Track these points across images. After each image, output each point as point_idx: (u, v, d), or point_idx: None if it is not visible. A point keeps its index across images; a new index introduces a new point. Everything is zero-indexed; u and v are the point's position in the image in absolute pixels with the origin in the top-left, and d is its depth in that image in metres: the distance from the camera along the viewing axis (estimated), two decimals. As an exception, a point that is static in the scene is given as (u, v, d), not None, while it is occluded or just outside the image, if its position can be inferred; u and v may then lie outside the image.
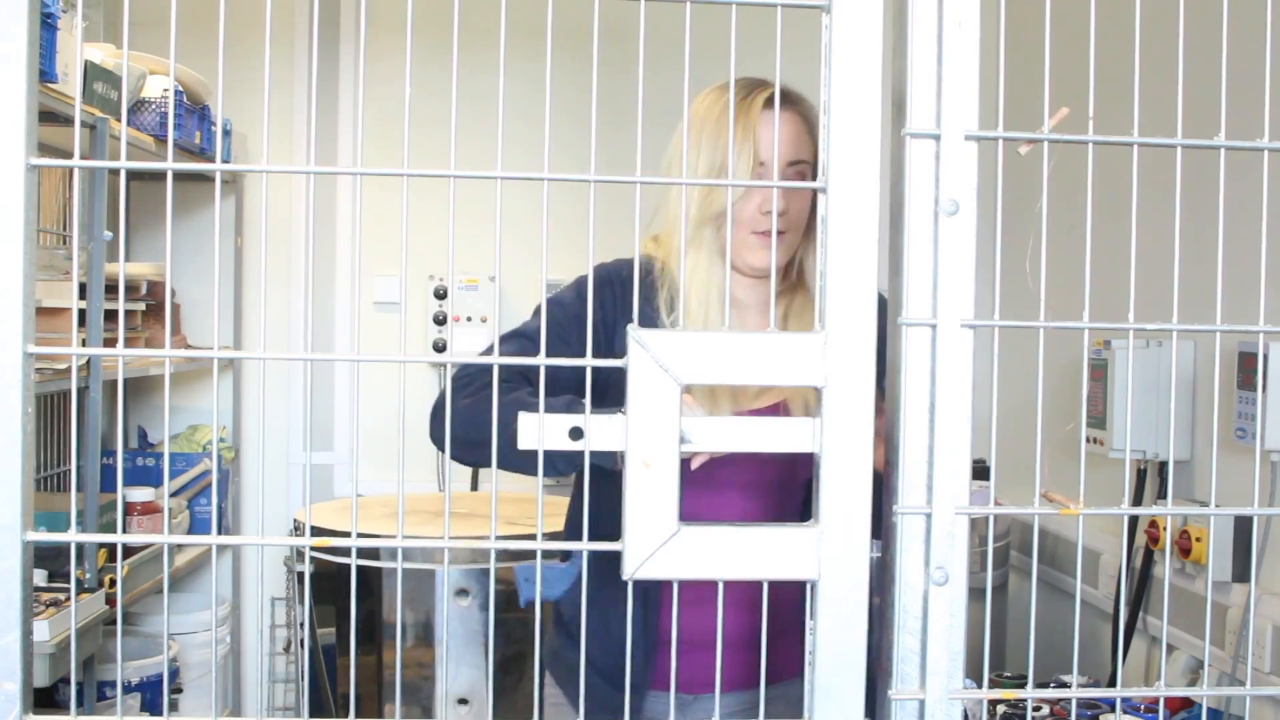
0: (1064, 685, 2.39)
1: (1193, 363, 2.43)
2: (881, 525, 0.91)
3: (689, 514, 0.88)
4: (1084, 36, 0.95)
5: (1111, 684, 2.57)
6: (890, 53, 0.91)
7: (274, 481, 3.80)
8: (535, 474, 1.37)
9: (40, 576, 2.51)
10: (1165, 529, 2.45)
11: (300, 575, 3.28)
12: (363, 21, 1.03)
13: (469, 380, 1.61)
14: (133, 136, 2.94)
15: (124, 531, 2.42)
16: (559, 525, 1.87)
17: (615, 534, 0.89)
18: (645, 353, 0.87)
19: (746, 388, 1.64)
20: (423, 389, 3.82)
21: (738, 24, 0.93)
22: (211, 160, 3.33)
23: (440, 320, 3.74)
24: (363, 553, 2.79)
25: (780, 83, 1.63)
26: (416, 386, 3.82)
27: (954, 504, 0.88)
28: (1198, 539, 2.32)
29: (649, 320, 1.64)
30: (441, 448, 1.56)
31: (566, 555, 1.68)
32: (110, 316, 2.71)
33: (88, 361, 2.60)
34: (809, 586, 0.88)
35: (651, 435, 0.87)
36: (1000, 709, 2.34)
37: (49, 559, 2.54)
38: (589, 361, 0.90)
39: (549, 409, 0.90)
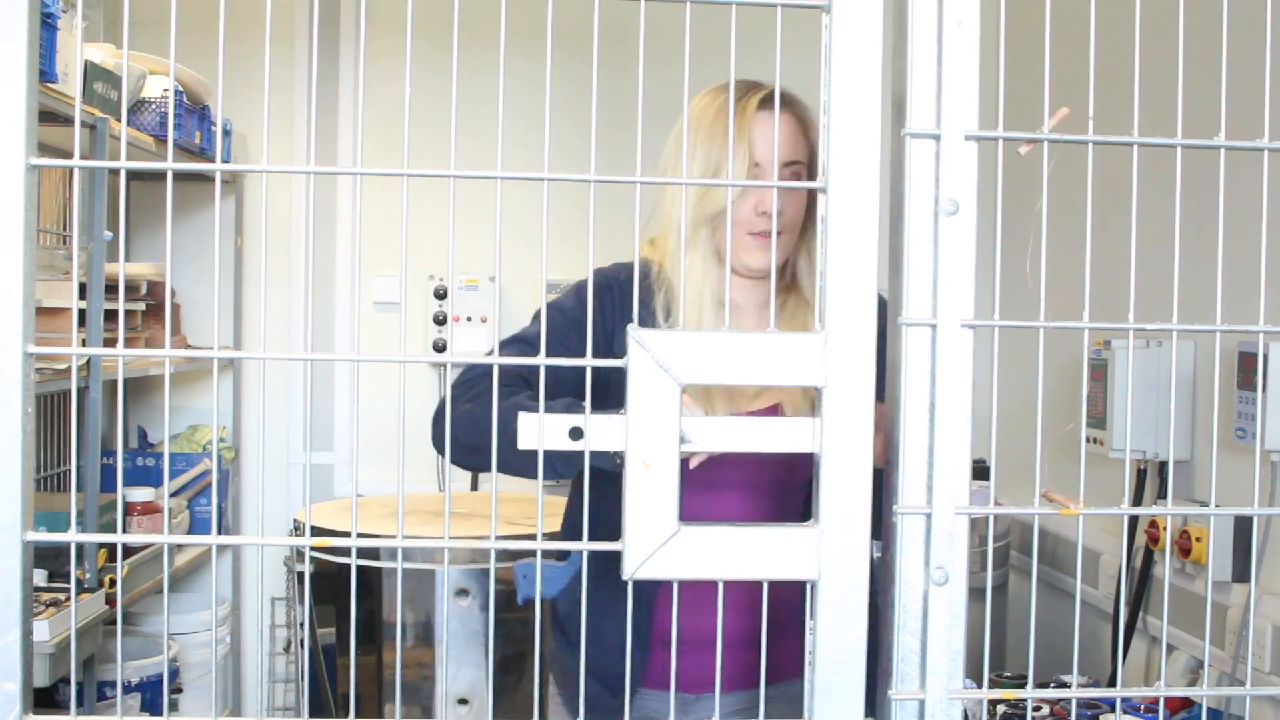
0: (1064, 685, 2.39)
1: (1193, 363, 2.43)
2: (881, 525, 0.91)
3: (689, 514, 0.88)
4: (1084, 36, 0.95)
5: (1111, 684, 2.57)
6: (890, 53, 0.91)
7: (274, 481, 3.80)
8: (535, 477, 1.38)
9: (40, 576, 2.51)
10: (1165, 529, 2.45)
11: (300, 575, 3.28)
12: (363, 21, 1.03)
13: (469, 385, 1.61)
14: (133, 136, 2.94)
15: (124, 531, 2.42)
16: (558, 525, 1.87)
17: (613, 534, 0.89)
18: (645, 353, 0.87)
19: (744, 390, 1.64)
20: (423, 389, 3.82)
21: (738, 24, 0.93)
22: (211, 160, 3.33)
23: (440, 320, 3.74)
24: (363, 553, 2.79)
25: (772, 84, 1.65)
26: (416, 386, 3.82)
27: (954, 504, 0.88)
28: (1198, 539, 2.32)
29: (646, 324, 1.64)
30: (443, 453, 1.56)
31: (564, 554, 1.68)
32: (110, 316, 2.71)
33: (88, 361, 2.60)
34: (809, 586, 0.88)
35: (651, 435, 0.87)
36: (1000, 709, 2.34)
37: (49, 559, 2.54)
38: (589, 361, 0.90)
39: (549, 411, 0.90)
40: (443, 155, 0.93)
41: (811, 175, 1.65)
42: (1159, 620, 2.58)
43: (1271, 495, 2.18)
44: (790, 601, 1.00)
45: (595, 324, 1.65)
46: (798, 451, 0.90)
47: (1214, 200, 0.96)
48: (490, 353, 1.55)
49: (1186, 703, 2.29)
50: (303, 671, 3.47)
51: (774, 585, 0.90)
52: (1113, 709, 2.19)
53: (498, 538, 0.90)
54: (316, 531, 2.91)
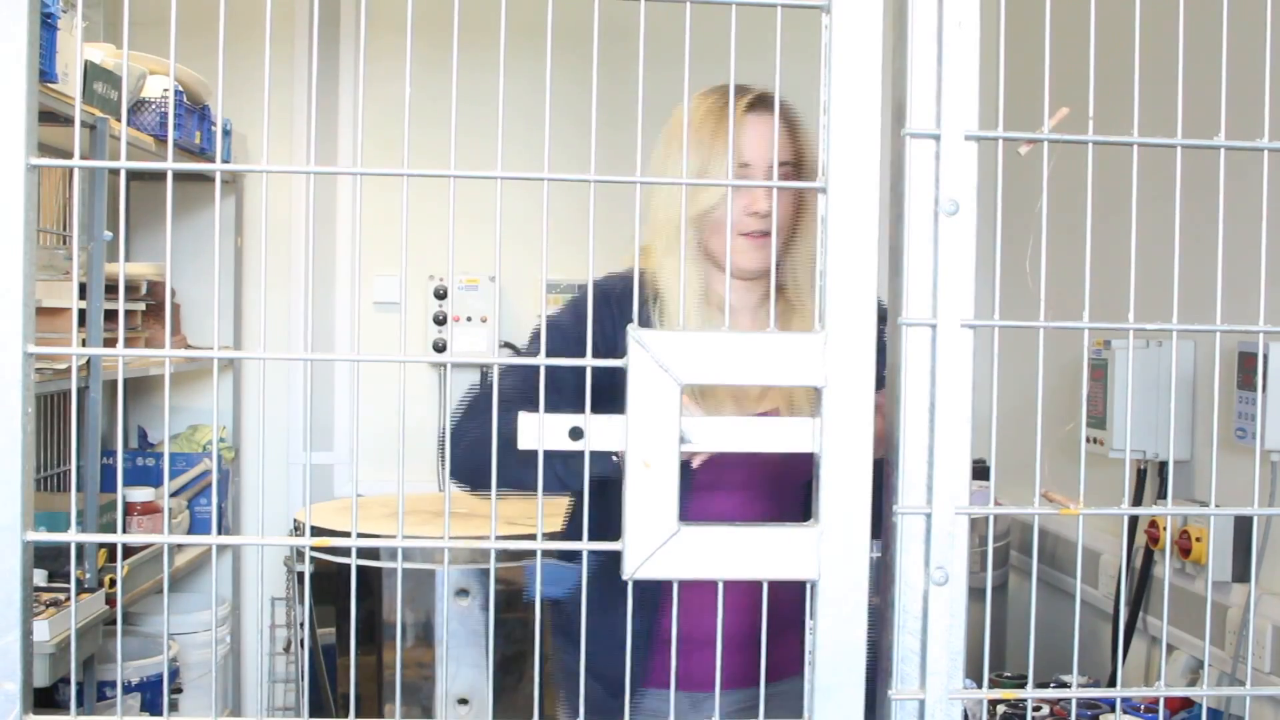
0: (1064, 685, 2.39)
1: (1193, 363, 2.43)
2: (881, 525, 0.91)
3: (687, 516, 0.88)
4: (1084, 36, 0.95)
5: (1111, 684, 2.57)
6: (890, 53, 0.91)
7: (274, 481, 3.80)
8: (555, 493, 1.38)
9: (40, 576, 2.51)
10: (1165, 529, 2.45)
11: (300, 575, 3.28)
12: (363, 21, 1.03)
13: (474, 411, 1.62)
14: (133, 136, 2.94)
15: (124, 531, 2.42)
16: (559, 525, 1.87)
17: (617, 536, 0.89)
18: (645, 353, 0.87)
19: (746, 394, 1.64)
20: (423, 389, 3.82)
21: (738, 24, 0.93)
22: (211, 160, 3.33)
23: (440, 320, 3.74)
24: (363, 553, 2.79)
25: (761, 88, 1.66)
26: (416, 387, 3.82)
27: (954, 504, 0.88)
28: (1198, 539, 2.32)
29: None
30: (458, 479, 1.58)
31: (572, 555, 1.68)
32: (110, 316, 2.71)
33: (88, 361, 2.60)
34: (809, 586, 0.88)
35: (651, 435, 0.87)
36: (1000, 709, 2.34)
37: (49, 559, 2.54)
38: (589, 362, 0.90)
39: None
40: (443, 155, 0.93)
41: (799, 176, 1.66)
42: (1159, 620, 2.58)
43: (1271, 495, 2.18)
44: (793, 598, 1.00)
45: (595, 339, 1.66)
46: (798, 452, 0.90)
47: (1214, 200, 0.96)
48: (488, 372, 1.57)
49: (1186, 703, 2.29)
50: (303, 671, 3.47)
51: (773, 583, 0.90)
52: (1113, 709, 2.19)
53: (498, 538, 0.90)
54: (316, 531, 2.91)
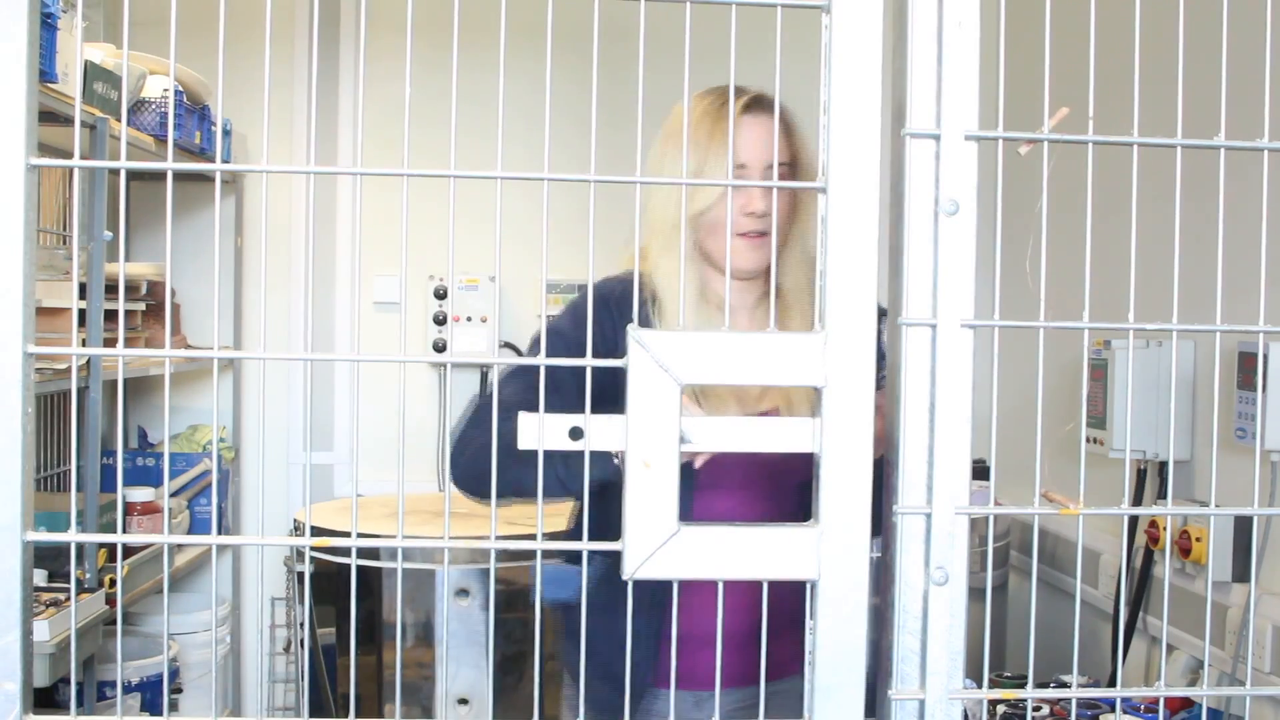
0: (1064, 685, 2.39)
1: (1193, 363, 2.43)
2: (881, 525, 0.91)
3: (693, 514, 0.88)
4: (1084, 36, 0.95)
5: (1111, 684, 2.57)
6: (890, 53, 0.91)
7: (274, 481, 3.80)
8: (557, 497, 1.38)
9: (40, 576, 2.51)
10: (1165, 529, 2.45)
11: (300, 575, 3.28)
12: (363, 21, 1.03)
13: (479, 421, 1.63)
14: (133, 136, 2.94)
15: (124, 531, 2.42)
16: (560, 525, 1.87)
17: (619, 538, 0.89)
18: (645, 353, 0.87)
19: (746, 393, 1.64)
20: (423, 389, 3.82)
21: (738, 24, 0.93)
22: (211, 160, 3.33)
23: (440, 320, 3.74)
24: (363, 553, 2.79)
25: (757, 89, 1.67)
26: (416, 387, 3.82)
27: (954, 504, 0.88)
28: (1198, 539, 2.32)
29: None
30: (463, 489, 1.59)
31: (579, 559, 1.69)
32: (110, 316, 2.71)
33: (88, 361, 2.60)
34: (809, 586, 0.88)
35: (651, 435, 0.87)
36: (1000, 709, 2.34)
37: (49, 559, 2.54)
38: (589, 362, 0.90)
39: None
40: (443, 155, 0.93)
41: (795, 177, 1.67)
42: (1159, 620, 2.58)
43: (1271, 495, 2.18)
44: (796, 595, 1.00)
45: (595, 343, 1.66)
46: (797, 452, 0.90)
47: (1214, 200, 0.96)
48: (498, 384, 1.58)
49: (1186, 703, 2.29)
50: (303, 671, 3.47)
51: (777, 580, 0.90)
52: (1113, 709, 2.19)
53: (498, 538, 0.90)
54: (316, 531, 2.91)
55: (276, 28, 3.65)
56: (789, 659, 1.21)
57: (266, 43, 0.89)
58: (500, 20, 0.91)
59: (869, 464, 0.88)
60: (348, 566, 2.83)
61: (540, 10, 0.91)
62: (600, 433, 0.89)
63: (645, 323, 1.66)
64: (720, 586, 0.90)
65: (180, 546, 3.42)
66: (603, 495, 1.15)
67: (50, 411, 3.27)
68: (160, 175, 3.56)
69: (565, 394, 1.45)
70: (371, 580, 2.96)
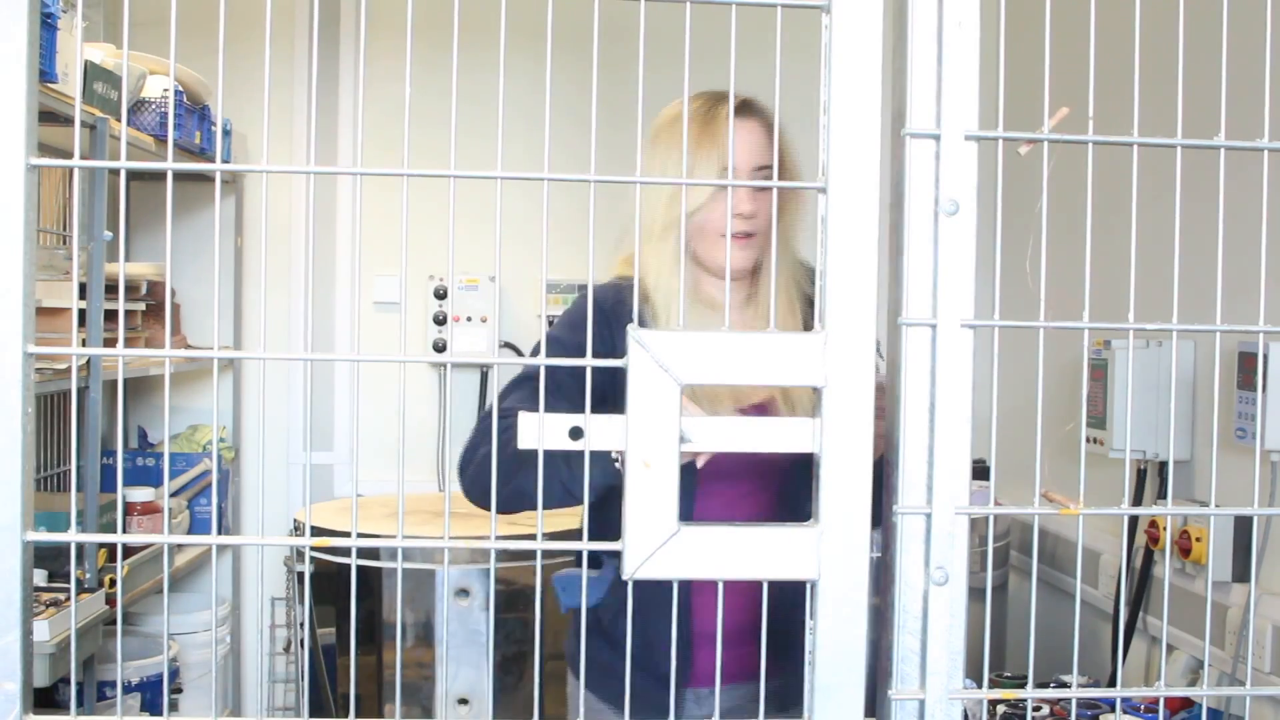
0: (1064, 685, 2.39)
1: (1193, 363, 2.43)
2: (882, 525, 0.91)
3: (697, 505, 0.88)
4: (1084, 36, 0.95)
5: (1111, 684, 2.57)
6: (890, 53, 0.91)
7: (274, 481, 3.80)
8: (563, 504, 1.39)
9: (40, 576, 2.51)
10: (1165, 529, 2.45)
11: (300, 575, 3.28)
12: (363, 21, 1.03)
13: (486, 429, 1.64)
14: (133, 136, 2.94)
15: (124, 531, 2.42)
16: (561, 525, 1.88)
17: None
18: (645, 353, 0.87)
19: (740, 387, 1.65)
20: (423, 389, 3.82)
21: (738, 24, 0.93)
22: (211, 160, 3.33)
23: (440, 320, 3.74)
24: (363, 553, 2.79)
25: (743, 94, 1.69)
26: (416, 387, 3.82)
27: (954, 504, 0.88)
28: (1198, 539, 2.32)
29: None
30: (473, 499, 1.62)
31: (599, 563, 1.71)
32: (110, 316, 2.71)
33: (88, 361, 2.60)
34: (809, 586, 0.88)
35: (651, 435, 0.87)
36: (1000, 709, 2.34)
37: (49, 559, 2.54)
38: (589, 362, 0.90)
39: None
40: (443, 155, 0.93)
41: (778, 179, 1.69)
42: (1159, 620, 2.58)
43: (1271, 495, 2.18)
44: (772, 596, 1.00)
45: (594, 349, 1.68)
46: (797, 452, 0.90)
47: (1214, 200, 0.96)
48: (504, 394, 1.59)
49: (1186, 703, 2.29)
50: (303, 671, 3.47)
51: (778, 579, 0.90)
52: (1113, 709, 2.19)
53: (498, 538, 0.90)
54: (316, 531, 2.91)
55: (276, 28, 3.65)
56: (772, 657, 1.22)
57: (266, 43, 0.89)
58: (500, 20, 0.91)
59: (869, 464, 0.88)
60: (348, 566, 2.83)
61: (540, 10, 0.91)
62: (600, 433, 0.89)
63: (641, 325, 1.68)
64: (720, 586, 0.90)
65: (180, 546, 3.42)
66: (609, 501, 1.15)
67: (50, 411, 3.27)
68: (160, 175, 3.56)
69: (567, 399, 1.46)
70: (371, 580, 2.96)
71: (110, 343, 2.70)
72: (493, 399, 3.43)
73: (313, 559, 2.93)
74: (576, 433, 0.89)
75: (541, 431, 0.89)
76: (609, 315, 1.67)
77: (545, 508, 1.08)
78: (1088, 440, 2.58)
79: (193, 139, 3.24)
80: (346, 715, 1.51)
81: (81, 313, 2.60)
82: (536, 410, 0.88)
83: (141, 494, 3.08)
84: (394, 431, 3.70)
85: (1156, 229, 1.12)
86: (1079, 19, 0.98)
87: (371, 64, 3.68)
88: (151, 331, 3.19)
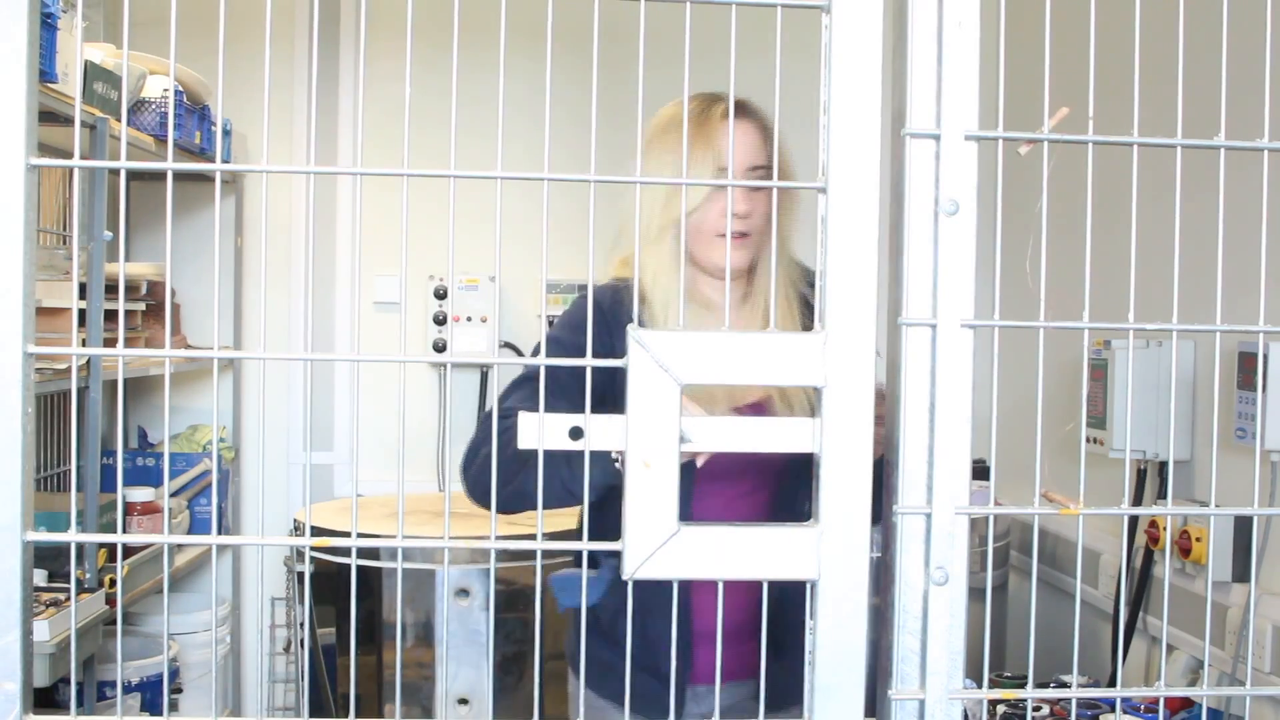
0: (1064, 685, 2.39)
1: (1193, 363, 2.43)
2: (882, 524, 0.91)
3: (697, 502, 0.88)
4: (1084, 36, 0.95)
5: (1111, 684, 2.57)
6: (890, 53, 0.91)
7: (274, 481, 3.80)
8: (564, 504, 1.40)
9: (40, 576, 2.51)
10: (1165, 529, 2.45)
11: (300, 575, 3.28)
12: (363, 22, 1.03)
13: (489, 430, 1.65)
14: (133, 136, 2.94)
15: (124, 531, 2.42)
16: (561, 525, 1.88)
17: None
18: (645, 353, 0.87)
19: (733, 386, 1.66)
20: (423, 389, 3.82)
21: (738, 24, 0.93)
22: (211, 160, 3.33)
23: (440, 320, 3.74)
24: (363, 553, 2.79)
25: (739, 96, 1.69)
26: (416, 387, 3.82)
27: (954, 504, 0.88)
28: (1198, 539, 2.32)
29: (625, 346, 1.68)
30: (476, 499, 1.63)
31: (596, 563, 1.72)
32: (110, 316, 2.71)
33: (88, 361, 2.60)
34: (809, 586, 0.88)
35: (651, 435, 0.87)
36: (1000, 709, 2.34)
37: (49, 559, 2.54)
38: (589, 361, 0.90)
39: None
40: (443, 155, 0.93)
41: (772, 180, 1.70)
42: (1159, 620, 2.58)
43: (1271, 495, 2.18)
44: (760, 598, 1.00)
45: (593, 351, 1.69)
46: (797, 452, 0.90)
47: (1214, 200, 0.96)
48: (505, 395, 1.60)
49: (1186, 703, 2.29)
50: (303, 671, 3.47)
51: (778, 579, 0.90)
52: (1113, 709, 2.19)
53: (498, 538, 0.90)
54: (316, 531, 2.91)
55: (276, 28, 3.65)
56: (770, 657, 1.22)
57: (266, 43, 0.89)
58: (500, 20, 0.91)
59: (869, 464, 0.88)
60: (348, 566, 2.83)
61: (540, 10, 0.91)
62: (600, 433, 0.89)
63: (640, 326, 1.68)
64: (720, 586, 0.90)
65: (180, 546, 3.42)
66: (611, 502, 1.15)
67: (50, 411, 3.27)
68: (160, 175, 3.56)
69: (567, 400, 1.46)
70: (371, 580, 2.96)
71: (110, 343, 2.70)
72: (493, 399, 3.43)
73: (313, 559, 2.93)
74: (576, 433, 0.89)
75: (542, 431, 0.89)
76: (608, 316, 1.67)
77: (546, 508, 1.08)
78: (1088, 440, 2.58)
79: (193, 139, 3.24)
80: (346, 715, 1.51)
81: (81, 313, 2.60)
82: (537, 410, 0.87)
83: (141, 494, 3.08)
84: (394, 431, 3.70)
85: (1156, 229, 1.12)
86: (1079, 19, 0.98)
87: (371, 64, 3.68)
88: (151, 331, 3.19)
